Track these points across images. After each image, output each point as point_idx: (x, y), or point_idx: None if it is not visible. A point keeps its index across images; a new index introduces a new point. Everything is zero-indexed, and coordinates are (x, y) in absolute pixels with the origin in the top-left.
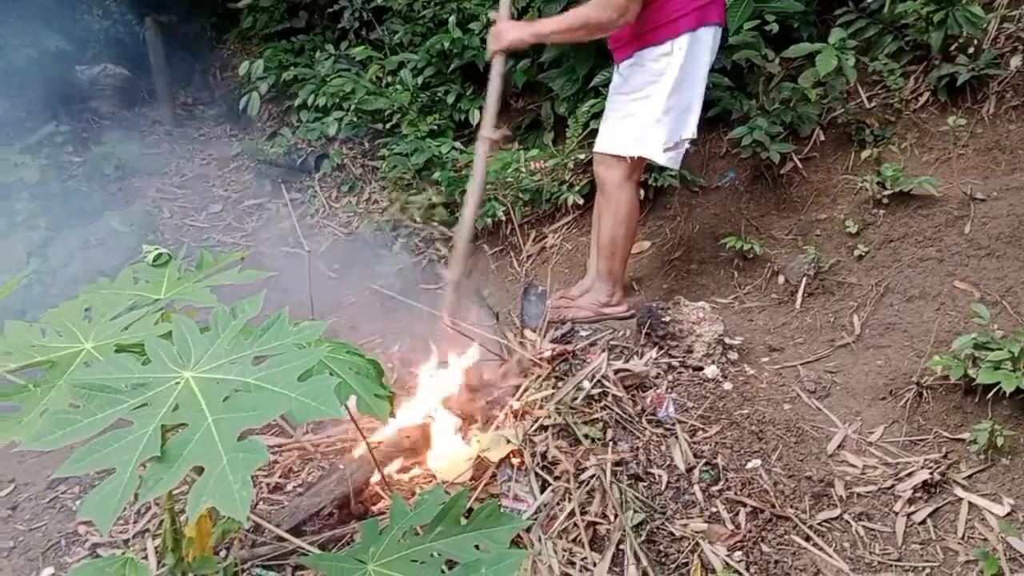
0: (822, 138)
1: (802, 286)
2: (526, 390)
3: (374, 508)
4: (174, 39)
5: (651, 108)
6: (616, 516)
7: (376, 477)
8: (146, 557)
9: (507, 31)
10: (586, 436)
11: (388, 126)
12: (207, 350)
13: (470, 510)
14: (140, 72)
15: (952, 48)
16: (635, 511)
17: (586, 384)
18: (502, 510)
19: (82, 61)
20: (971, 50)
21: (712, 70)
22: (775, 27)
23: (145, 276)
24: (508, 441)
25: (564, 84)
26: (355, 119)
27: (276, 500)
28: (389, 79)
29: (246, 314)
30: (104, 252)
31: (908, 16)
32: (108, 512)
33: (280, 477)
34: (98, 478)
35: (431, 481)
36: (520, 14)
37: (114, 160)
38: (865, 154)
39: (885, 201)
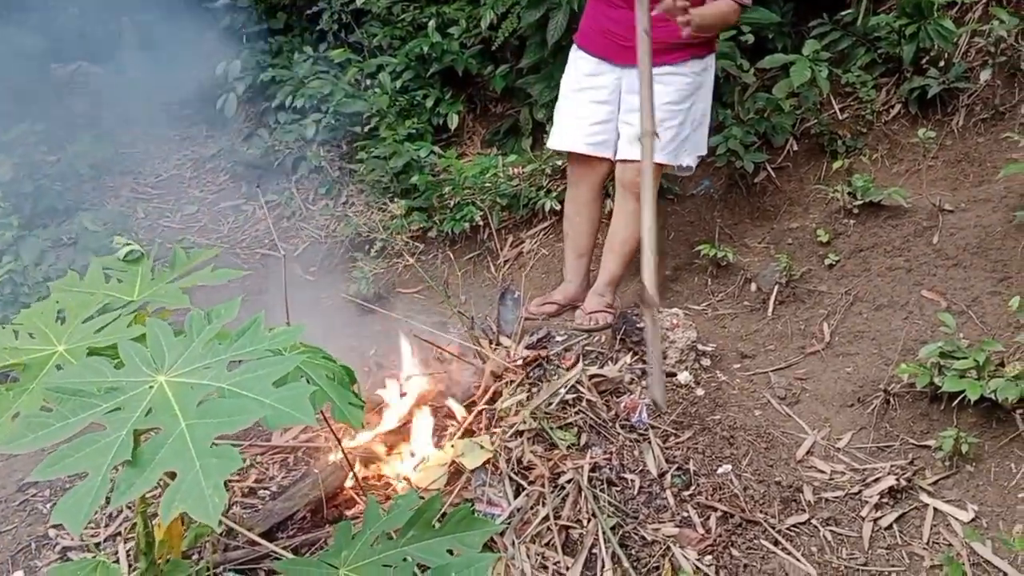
0: (795, 148)
1: (774, 294)
2: (499, 395)
3: (348, 512)
4: (150, 37)
5: (695, 116)
6: (589, 520)
7: (350, 481)
8: (118, 561)
9: (693, 13)
10: (561, 440)
11: (366, 129)
12: (181, 354)
13: (444, 514)
14: (115, 70)
15: (923, 61)
16: (608, 515)
17: (561, 390)
18: (476, 515)
19: (57, 59)
20: (942, 63)
21: None
22: (750, 38)
23: (116, 273)
24: (482, 447)
25: (543, 89)
26: (333, 121)
27: (250, 504)
28: (367, 82)
29: (221, 319)
30: (76, 251)
31: (881, 29)
32: (80, 516)
33: (254, 481)
34: (70, 482)
35: (404, 485)
36: (500, 20)
37: (88, 159)
38: (837, 164)
39: (855, 211)
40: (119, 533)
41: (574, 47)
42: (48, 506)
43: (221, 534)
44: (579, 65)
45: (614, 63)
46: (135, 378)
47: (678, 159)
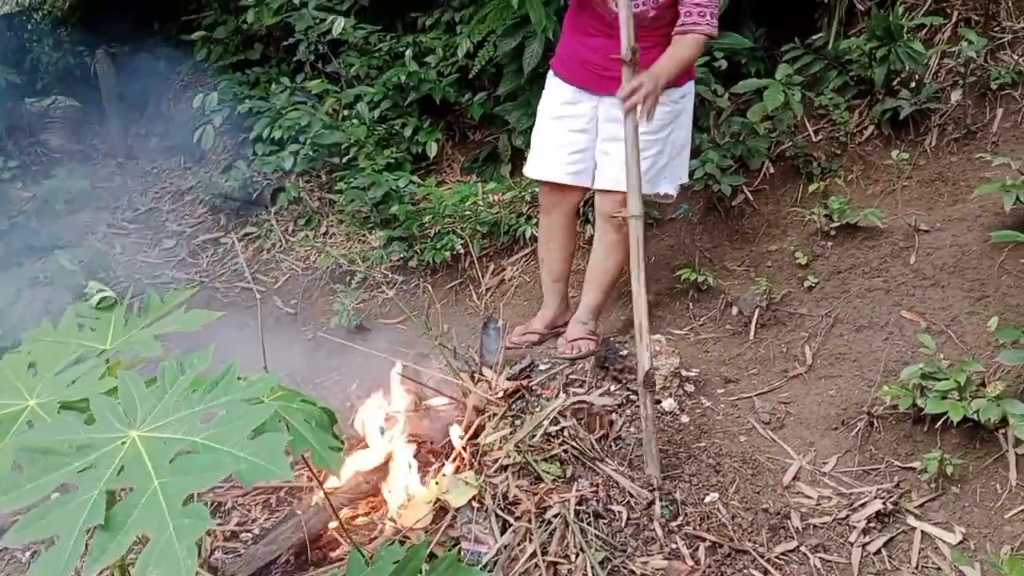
0: (771, 171)
1: (755, 317)
2: (482, 429)
3: (332, 554)
4: (126, 70)
5: (674, 144)
6: (577, 555)
7: (334, 523)
8: None
9: (654, 75)
10: (546, 473)
11: (345, 159)
12: (154, 407)
13: (432, 555)
14: (91, 104)
15: (895, 83)
16: (596, 549)
17: (544, 422)
18: (463, 553)
19: (32, 93)
20: (913, 85)
21: None
22: (724, 63)
23: (89, 321)
24: (467, 484)
25: (520, 117)
26: (311, 152)
27: (231, 548)
28: (345, 112)
29: (195, 368)
30: (52, 291)
31: (852, 52)
32: None
33: (236, 524)
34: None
35: (390, 525)
36: (476, 48)
37: (64, 194)
38: (813, 187)
39: (833, 233)
40: None
41: (551, 72)
42: (27, 555)
43: None
44: (556, 93)
45: (592, 92)
46: (107, 434)
47: (656, 188)
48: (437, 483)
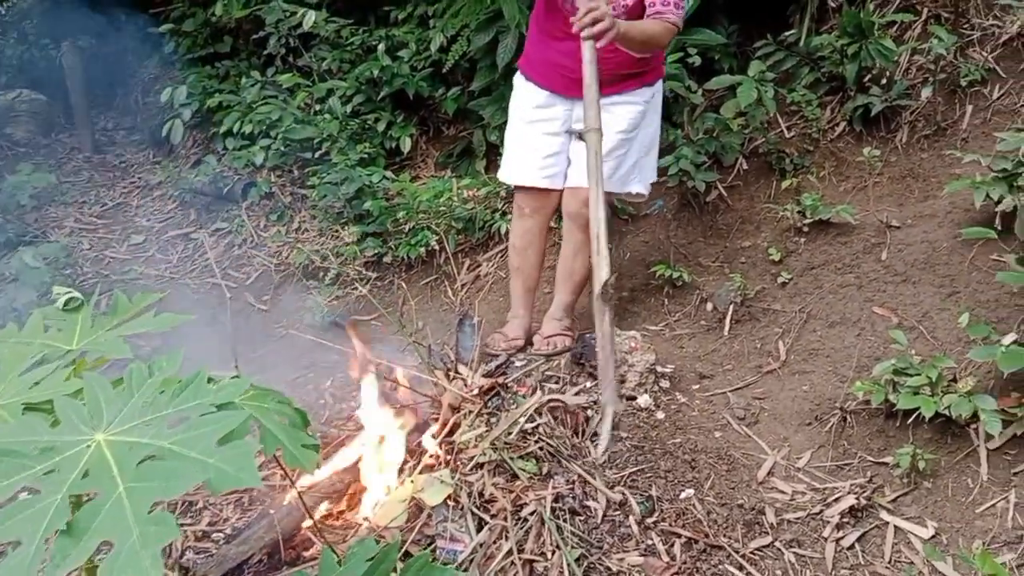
0: (745, 167)
1: (729, 313)
2: (458, 427)
3: (306, 554)
4: (93, 64)
5: (643, 144)
6: (553, 552)
7: (308, 522)
8: None
9: (619, 25)
10: (522, 471)
11: (317, 154)
12: (120, 410)
13: (407, 554)
14: (58, 98)
15: (866, 80)
16: (572, 547)
17: (520, 419)
18: (439, 551)
19: None
20: (884, 81)
21: None
22: (697, 59)
23: (56, 323)
24: (443, 482)
25: (495, 112)
26: (283, 147)
27: (203, 548)
28: (317, 107)
29: (163, 371)
30: (17, 288)
31: (824, 49)
32: None
33: (207, 524)
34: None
35: (364, 523)
36: (450, 43)
37: (29, 189)
38: (786, 183)
39: (805, 229)
40: None
41: (520, 75)
42: None
43: None
44: (529, 96)
45: (565, 96)
46: (71, 437)
47: (626, 187)
48: (412, 481)
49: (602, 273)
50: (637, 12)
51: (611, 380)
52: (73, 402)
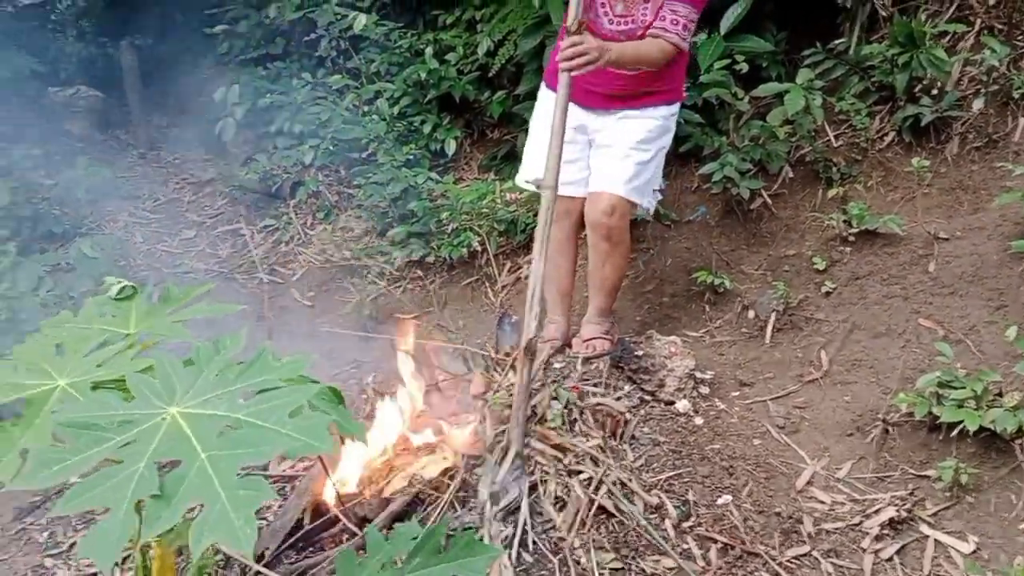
0: (790, 175)
1: (771, 321)
2: (499, 389)
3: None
4: (149, 62)
5: (659, 158)
6: (588, 552)
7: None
8: None
9: (604, 47)
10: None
11: (364, 155)
12: (192, 385)
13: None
14: (114, 95)
15: (916, 90)
16: (606, 550)
17: (557, 406)
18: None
19: (56, 83)
20: (935, 92)
21: (683, 106)
22: (745, 66)
23: (111, 310)
24: (444, 458)
25: None
26: (331, 147)
27: None
28: (365, 108)
29: (228, 349)
30: (74, 277)
31: (874, 58)
32: (109, 551)
33: None
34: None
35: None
36: (497, 47)
37: (86, 183)
38: (832, 192)
39: (851, 239)
40: (116, 563)
41: (543, 85)
42: (45, 535)
43: (220, 565)
44: (547, 104)
45: (582, 106)
46: (146, 411)
47: (643, 198)
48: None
49: (530, 329)
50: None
51: (519, 425)
52: (146, 378)
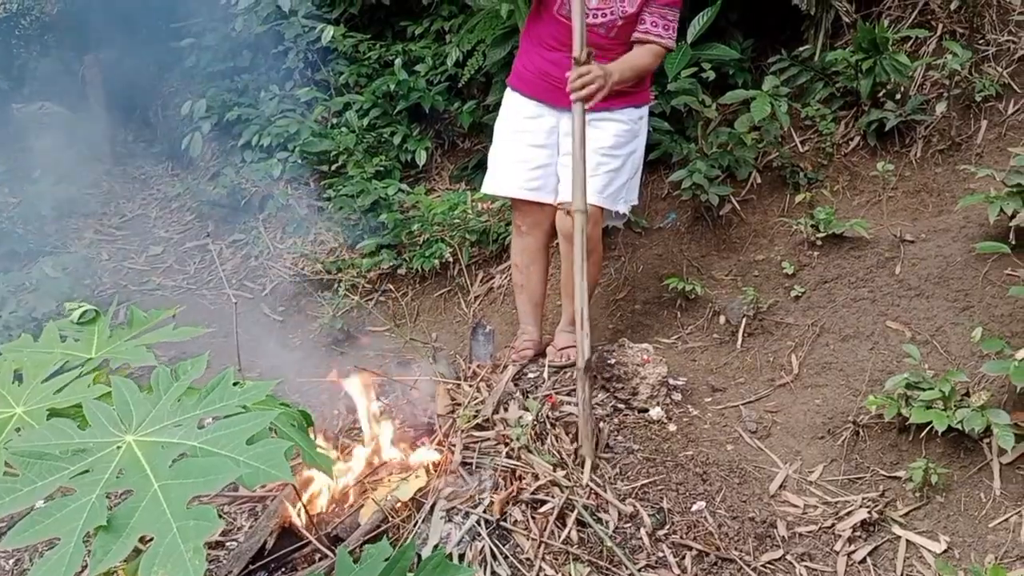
0: (758, 181)
1: (742, 326)
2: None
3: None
4: (114, 77)
5: (634, 163)
6: (564, 564)
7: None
8: None
9: (608, 72)
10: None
11: (334, 167)
12: (149, 413)
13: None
14: (80, 110)
15: (880, 95)
16: (581, 562)
17: (528, 418)
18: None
19: (19, 99)
20: (898, 96)
21: (652, 114)
22: (712, 74)
23: (72, 334)
24: (416, 477)
25: None
26: (300, 160)
27: (215, 556)
28: (334, 120)
29: (189, 375)
30: (37, 298)
31: (838, 64)
32: None
33: (221, 534)
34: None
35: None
36: (466, 58)
37: (51, 200)
38: (799, 197)
39: (819, 243)
40: None
41: (509, 90)
42: (11, 562)
43: None
44: (517, 108)
45: (552, 106)
46: (102, 439)
47: (616, 204)
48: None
49: (585, 350)
50: (634, 23)
51: (589, 436)
52: (102, 405)
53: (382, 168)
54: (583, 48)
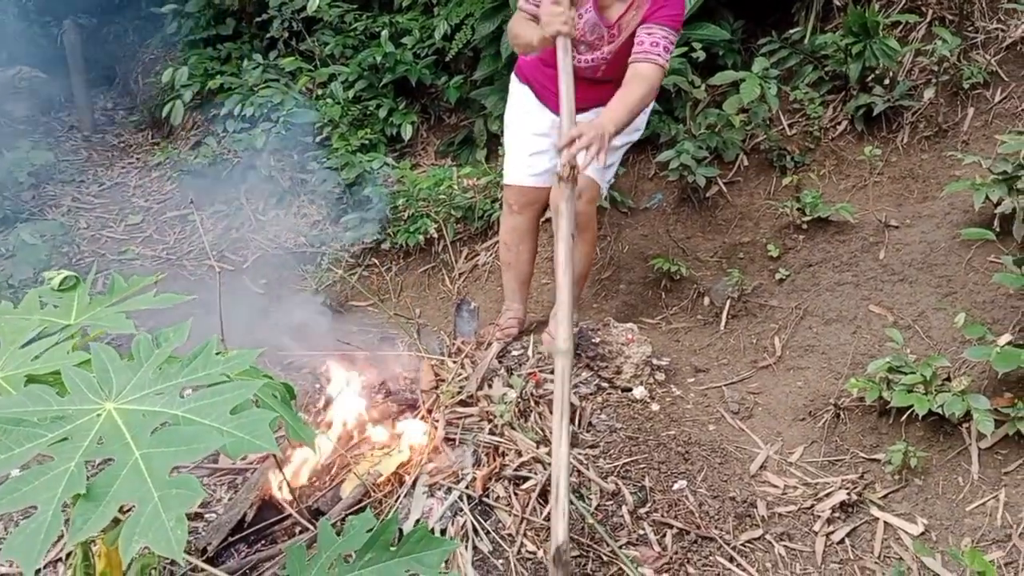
0: (746, 163)
1: (726, 308)
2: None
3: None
4: (94, 42)
5: (621, 153)
6: (545, 540)
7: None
8: None
9: (602, 127)
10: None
11: (318, 139)
12: (130, 380)
13: (400, 532)
14: (57, 76)
15: (869, 79)
16: None
17: (512, 395)
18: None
19: None
20: (887, 81)
21: None
22: (702, 55)
23: (52, 300)
24: (399, 452)
25: (496, 102)
26: (284, 131)
27: (194, 528)
28: (319, 91)
29: (170, 343)
30: (14, 264)
31: (828, 47)
32: (33, 553)
33: (200, 506)
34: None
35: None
36: (454, 31)
37: (27, 167)
38: (786, 180)
39: (804, 226)
40: (60, 559)
41: (516, 78)
42: None
43: (167, 561)
44: (523, 98)
45: (552, 109)
46: (81, 406)
47: (603, 181)
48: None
49: (559, 533)
50: (628, 47)
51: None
52: (81, 372)
53: (367, 141)
54: (568, 162)
